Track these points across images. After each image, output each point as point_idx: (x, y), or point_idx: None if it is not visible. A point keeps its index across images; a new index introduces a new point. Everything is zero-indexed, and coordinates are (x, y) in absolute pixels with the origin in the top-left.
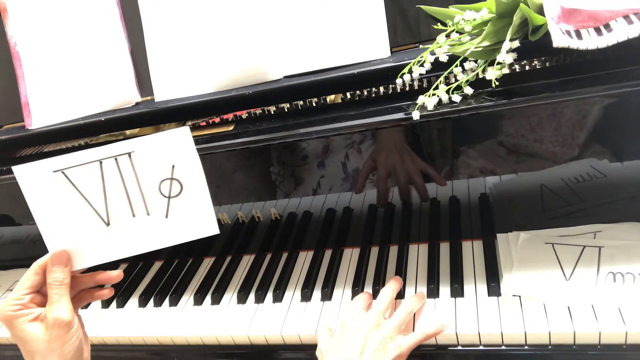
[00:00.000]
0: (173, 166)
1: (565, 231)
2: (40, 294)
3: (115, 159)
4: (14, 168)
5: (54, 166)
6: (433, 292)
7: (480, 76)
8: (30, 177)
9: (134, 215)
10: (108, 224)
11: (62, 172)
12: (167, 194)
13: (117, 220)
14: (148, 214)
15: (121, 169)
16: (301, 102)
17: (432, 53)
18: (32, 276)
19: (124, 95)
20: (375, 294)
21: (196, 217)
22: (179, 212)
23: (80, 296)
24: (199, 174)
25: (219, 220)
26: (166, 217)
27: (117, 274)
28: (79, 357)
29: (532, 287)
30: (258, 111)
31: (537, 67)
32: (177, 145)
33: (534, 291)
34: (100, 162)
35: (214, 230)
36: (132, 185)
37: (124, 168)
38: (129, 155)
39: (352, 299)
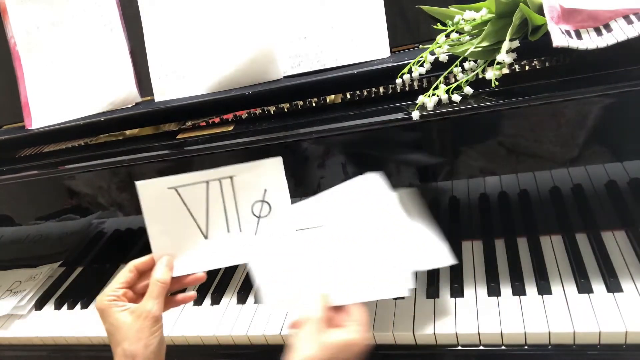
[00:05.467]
0: (265, 190)
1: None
2: (132, 290)
3: (220, 181)
4: (137, 183)
5: (170, 184)
6: (433, 293)
7: (480, 76)
8: (150, 191)
9: (228, 231)
10: (207, 237)
11: (175, 189)
12: (258, 214)
13: (215, 234)
14: (240, 231)
15: (223, 190)
16: (301, 102)
17: (432, 53)
18: (127, 273)
19: (124, 95)
20: None
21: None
22: (266, 231)
23: (166, 300)
24: (285, 199)
25: None
26: (255, 234)
27: (201, 275)
28: (161, 349)
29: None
30: (258, 111)
31: (537, 67)
32: (270, 172)
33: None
34: (207, 183)
35: None
36: (230, 204)
37: (226, 189)
38: (231, 179)
39: None
